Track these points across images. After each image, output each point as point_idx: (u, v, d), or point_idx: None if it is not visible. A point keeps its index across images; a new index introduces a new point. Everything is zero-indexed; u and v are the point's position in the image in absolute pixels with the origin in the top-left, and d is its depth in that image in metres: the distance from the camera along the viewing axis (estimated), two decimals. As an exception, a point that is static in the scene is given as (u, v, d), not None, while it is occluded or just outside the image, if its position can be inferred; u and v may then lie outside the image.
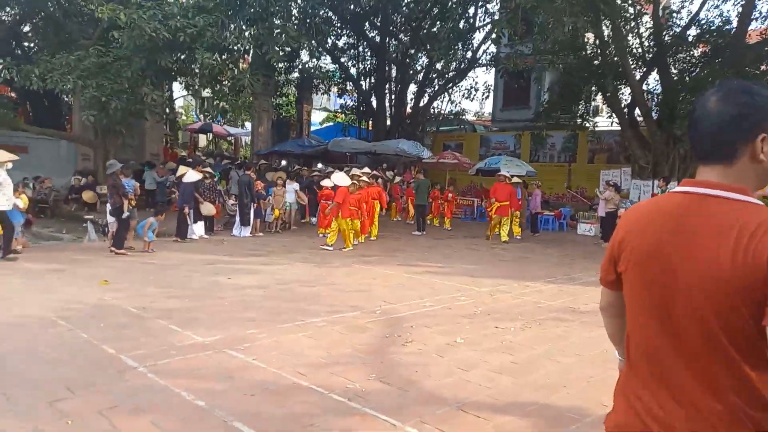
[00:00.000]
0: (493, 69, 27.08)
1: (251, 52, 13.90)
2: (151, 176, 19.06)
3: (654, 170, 17.57)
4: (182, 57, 13.49)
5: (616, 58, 17.06)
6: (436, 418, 3.65)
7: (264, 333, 5.44)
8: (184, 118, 40.55)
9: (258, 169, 20.92)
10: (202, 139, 37.65)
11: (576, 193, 21.62)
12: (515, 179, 15.08)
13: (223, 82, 14.01)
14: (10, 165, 9.15)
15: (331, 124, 34.01)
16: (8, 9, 19.44)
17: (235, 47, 12.99)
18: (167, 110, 22.70)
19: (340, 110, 31.43)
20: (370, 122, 27.52)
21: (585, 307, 7.05)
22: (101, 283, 7.46)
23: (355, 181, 11.39)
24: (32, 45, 20.26)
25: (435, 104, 27.60)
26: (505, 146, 25.59)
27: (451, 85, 26.73)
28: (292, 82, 29.62)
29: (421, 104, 26.63)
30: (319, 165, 25.02)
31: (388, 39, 25.92)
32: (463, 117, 28.15)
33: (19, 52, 21.07)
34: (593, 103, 23.39)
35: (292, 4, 16.21)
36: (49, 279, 7.76)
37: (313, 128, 33.35)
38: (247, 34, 14.05)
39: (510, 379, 4.46)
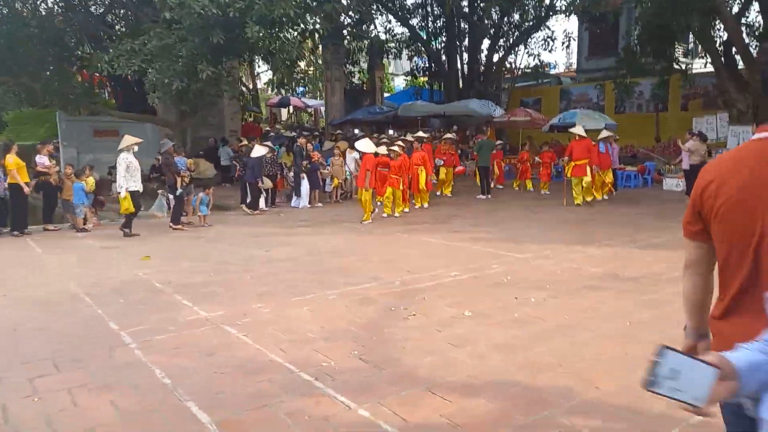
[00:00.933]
0: (572, 15, 25.18)
1: (311, 22, 13.68)
2: (226, 152, 19.72)
3: (755, 114, 15.70)
4: (236, 32, 13.57)
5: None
6: (396, 400, 3.40)
7: (269, 307, 5.38)
8: (270, 92, 41.64)
9: (319, 140, 21.05)
10: (284, 113, 38.47)
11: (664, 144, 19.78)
12: (605, 133, 14.07)
13: (276, 55, 14.02)
14: (135, 148, 9.80)
15: (406, 88, 33.48)
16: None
17: (284, 18, 12.83)
18: (242, 87, 23.08)
19: (409, 74, 30.75)
20: (442, 84, 26.72)
21: (631, 274, 6.40)
22: (143, 258, 7.77)
23: (393, 148, 11.02)
24: (114, 34, 21.34)
25: (510, 59, 26.34)
26: (587, 98, 23.99)
27: (526, 37, 25.26)
28: (363, 49, 29.33)
29: (495, 60, 25.45)
30: (390, 131, 24.82)
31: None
32: (542, 70, 26.51)
33: (108, 41, 22.38)
34: (688, 45, 21.18)
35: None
36: (101, 255, 8.20)
37: (397, 93, 33.13)
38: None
39: (501, 356, 4.09)
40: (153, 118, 19.81)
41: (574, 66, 31.75)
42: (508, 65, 26.04)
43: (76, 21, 17.04)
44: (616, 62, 20.39)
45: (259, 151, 12.59)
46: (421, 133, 15.58)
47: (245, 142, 16.15)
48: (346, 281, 6.32)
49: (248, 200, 12.50)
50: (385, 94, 32.69)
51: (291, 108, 35.23)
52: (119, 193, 9.43)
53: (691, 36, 19.28)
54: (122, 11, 21.85)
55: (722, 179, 1.53)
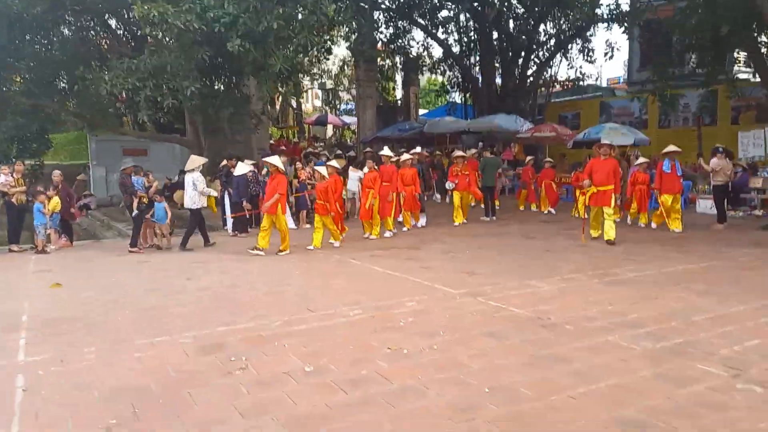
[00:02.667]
0: (615, 25, 23.52)
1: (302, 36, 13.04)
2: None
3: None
4: (223, 49, 13.23)
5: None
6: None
7: (95, 353, 4.68)
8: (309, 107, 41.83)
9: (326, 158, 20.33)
10: (329, 131, 38.31)
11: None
12: (670, 147, 11.20)
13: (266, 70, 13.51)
14: (201, 168, 10.63)
15: (443, 104, 32.54)
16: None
17: (269, 32, 12.34)
18: (264, 107, 22.90)
19: (439, 90, 29.85)
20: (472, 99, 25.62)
21: (557, 318, 5.26)
22: (52, 286, 7.30)
23: (320, 169, 10.04)
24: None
25: (553, 71, 24.91)
26: (628, 112, 22.25)
27: (564, 48, 23.80)
28: (397, 66, 28.75)
29: (529, 73, 24.12)
30: (417, 149, 23.93)
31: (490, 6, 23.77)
32: (582, 83, 24.88)
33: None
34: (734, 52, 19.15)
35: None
36: (19, 280, 7.84)
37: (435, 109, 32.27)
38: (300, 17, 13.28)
39: (273, 437, 3.17)
40: (159, 136, 19.85)
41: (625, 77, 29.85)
42: (545, 79, 24.58)
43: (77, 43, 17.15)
44: (653, 71, 18.68)
45: (241, 169, 12.09)
46: (418, 149, 14.62)
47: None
48: (227, 320, 5.54)
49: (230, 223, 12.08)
50: (422, 111, 31.93)
51: (331, 126, 35.03)
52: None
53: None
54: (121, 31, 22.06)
55: None
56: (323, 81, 41.22)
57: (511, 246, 9.69)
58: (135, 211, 9.91)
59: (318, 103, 44.91)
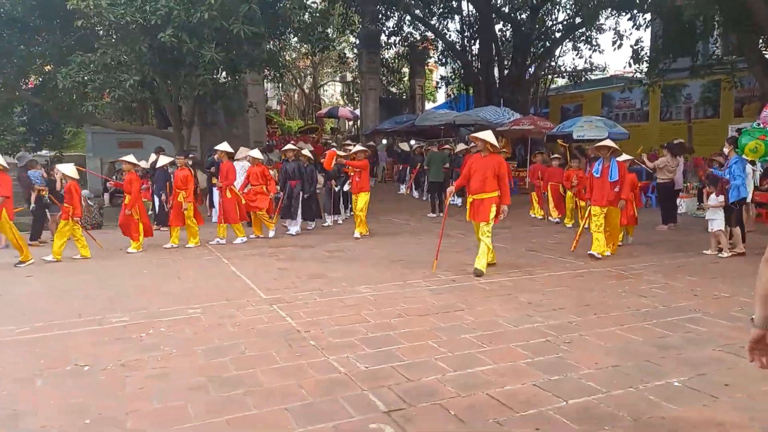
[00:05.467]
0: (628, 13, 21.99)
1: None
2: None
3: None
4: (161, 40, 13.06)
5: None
6: None
7: None
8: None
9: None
10: (348, 123, 38.06)
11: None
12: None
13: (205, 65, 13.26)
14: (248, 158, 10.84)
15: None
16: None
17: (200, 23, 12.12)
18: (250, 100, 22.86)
19: (438, 82, 28.95)
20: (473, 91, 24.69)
21: (321, 331, 4.73)
22: None
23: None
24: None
25: (552, 62, 23.67)
26: (630, 104, 20.87)
27: (565, 37, 22.52)
28: (403, 57, 28.09)
29: (529, 63, 22.99)
30: (412, 142, 23.38)
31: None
32: (584, 74, 23.50)
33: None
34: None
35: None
36: None
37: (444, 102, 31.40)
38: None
39: None
40: (142, 129, 20.00)
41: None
42: (546, 70, 23.38)
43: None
44: (645, 61, 17.36)
45: (163, 161, 11.91)
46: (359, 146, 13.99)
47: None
48: (-15, 322, 5.30)
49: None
50: (430, 104, 31.15)
51: (342, 118, 34.73)
52: None
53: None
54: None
55: None
56: (344, 73, 41.07)
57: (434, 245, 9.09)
58: (32, 205, 9.87)
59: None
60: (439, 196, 13.17)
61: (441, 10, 24.50)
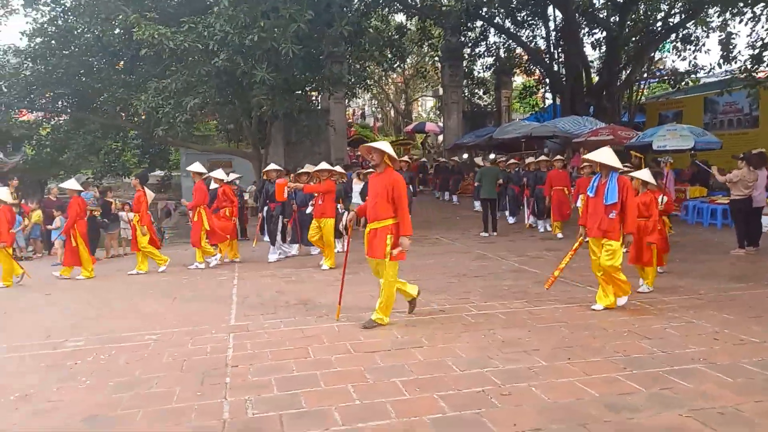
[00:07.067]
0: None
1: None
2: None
3: None
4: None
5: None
6: None
7: None
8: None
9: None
10: (439, 138, 37.65)
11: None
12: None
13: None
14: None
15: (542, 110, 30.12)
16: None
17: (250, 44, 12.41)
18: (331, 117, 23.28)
19: (521, 92, 27.56)
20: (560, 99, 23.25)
21: (251, 364, 4.42)
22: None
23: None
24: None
25: (648, 65, 21.69)
26: (737, 108, 18.54)
27: (676, 33, 20.46)
28: (489, 68, 27.26)
29: (621, 67, 21.21)
30: (491, 156, 22.58)
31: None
32: (688, 77, 21.16)
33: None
34: None
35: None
36: None
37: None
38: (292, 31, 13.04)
39: None
40: (241, 151, 20.75)
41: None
42: (639, 74, 21.44)
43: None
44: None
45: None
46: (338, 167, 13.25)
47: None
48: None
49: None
50: (520, 116, 29.86)
51: (431, 133, 34.38)
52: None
53: None
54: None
55: None
56: (436, 87, 40.78)
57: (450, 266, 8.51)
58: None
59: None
60: (493, 214, 12.40)
61: (526, 16, 23.46)
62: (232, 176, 12.95)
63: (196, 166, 9.86)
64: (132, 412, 3.71)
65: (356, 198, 13.27)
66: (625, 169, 10.01)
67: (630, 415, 3.43)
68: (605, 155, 5.87)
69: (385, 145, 5.51)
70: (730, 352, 4.49)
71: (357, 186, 13.50)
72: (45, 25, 16.62)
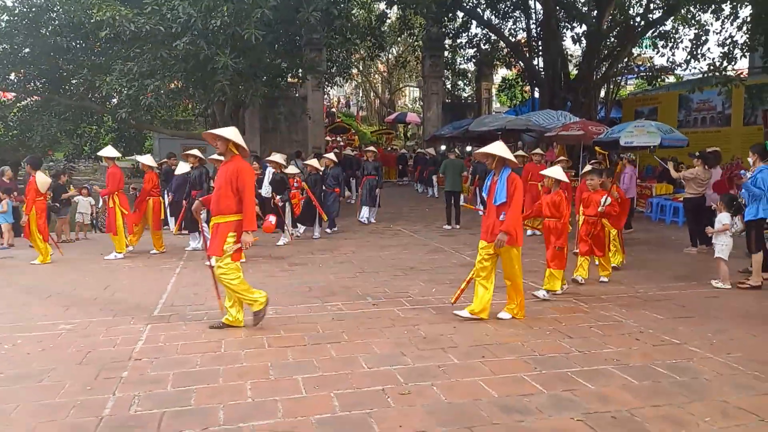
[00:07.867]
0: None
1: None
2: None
3: None
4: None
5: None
6: None
7: None
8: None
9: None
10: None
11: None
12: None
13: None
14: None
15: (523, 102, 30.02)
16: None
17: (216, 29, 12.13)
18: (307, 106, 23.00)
19: (500, 85, 27.43)
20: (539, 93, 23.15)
21: (156, 358, 4.26)
22: None
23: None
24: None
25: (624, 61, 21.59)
26: (710, 106, 18.53)
27: (641, 34, 20.42)
28: (467, 59, 27.10)
29: (596, 62, 21.09)
30: (468, 148, 22.49)
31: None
32: (665, 73, 21.14)
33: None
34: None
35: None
36: None
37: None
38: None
39: None
40: (189, 134, 20.51)
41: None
42: (616, 69, 21.33)
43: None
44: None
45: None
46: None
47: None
48: None
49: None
50: (503, 108, 29.76)
51: (412, 123, 34.18)
52: None
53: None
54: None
55: None
56: (419, 78, 40.51)
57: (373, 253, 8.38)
58: None
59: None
60: (456, 207, 12.27)
61: (507, 8, 23.26)
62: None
63: (108, 151, 9.54)
64: (8, 407, 3.54)
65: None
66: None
67: (520, 417, 3.31)
68: (498, 148, 5.35)
69: (229, 132, 5.05)
70: (646, 353, 4.40)
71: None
72: (15, 4, 16.24)
